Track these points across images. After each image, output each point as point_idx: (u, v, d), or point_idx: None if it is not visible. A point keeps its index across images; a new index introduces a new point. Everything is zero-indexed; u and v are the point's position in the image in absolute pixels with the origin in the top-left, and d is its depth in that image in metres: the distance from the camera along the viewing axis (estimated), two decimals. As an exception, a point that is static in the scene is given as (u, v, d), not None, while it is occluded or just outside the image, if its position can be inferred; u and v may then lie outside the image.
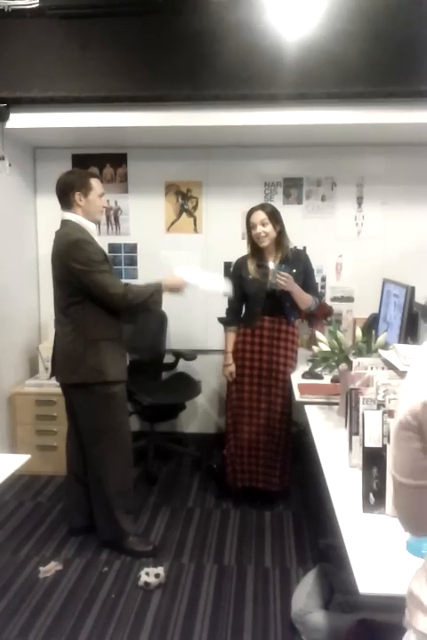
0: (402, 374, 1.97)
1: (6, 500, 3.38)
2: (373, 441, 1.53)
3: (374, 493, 1.53)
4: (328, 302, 4.01)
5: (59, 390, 2.89)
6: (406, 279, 2.78)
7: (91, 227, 2.70)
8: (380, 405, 1.69)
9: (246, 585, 2.59)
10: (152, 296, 2.69)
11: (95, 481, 2.78)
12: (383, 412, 1.54)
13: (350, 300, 4.06)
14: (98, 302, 2.61)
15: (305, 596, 2.26)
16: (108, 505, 2.75)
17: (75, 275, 2.56)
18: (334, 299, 4.06)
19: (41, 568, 2.69)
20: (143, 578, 2.56)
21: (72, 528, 3.00)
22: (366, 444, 1.54)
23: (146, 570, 2.60)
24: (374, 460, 1.52)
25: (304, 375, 2.97)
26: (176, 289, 2.79)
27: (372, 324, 3.29)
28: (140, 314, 2.93)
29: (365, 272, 3.93)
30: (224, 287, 2.88)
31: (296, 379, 2.95)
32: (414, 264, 3.69)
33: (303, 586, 2.34)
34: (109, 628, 2.30)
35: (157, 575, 2.57)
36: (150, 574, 2.57)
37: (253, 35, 3.02)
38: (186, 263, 3.95)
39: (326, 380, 2.82)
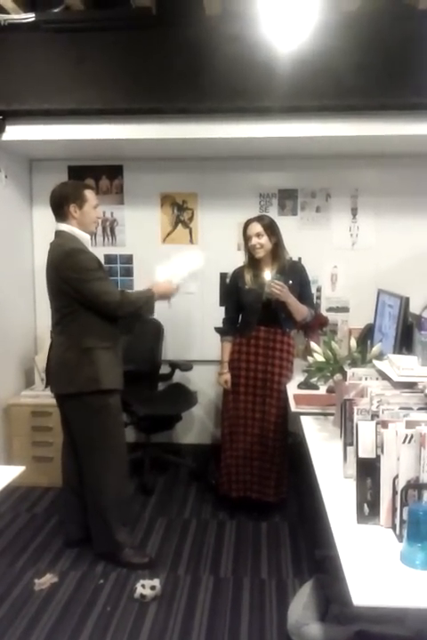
0: (396, 385, 1.98)
1: (2, 511, 3.36)
2: (366, 452, 1.53)
3: (368, 504, 1.53)
4: (324, 313, 4.02)
5: (54, 401, 2.88)
6: (401, 290, 2.78)
7: (85, 237, 2.72)
8: (374, 416, 1.70)
9: (243, 596, 2.58)
10: (147, 303, 2.72)
11: (91, 493, 2.77)
12: (377, 423, 1.54)
13: (345, 310, 4.08)
14: (93, 310, 2.62)
15: (301, 608, 2.25)
16: (103, 517, 2.74)
17: (70, 284, 2.57)
18: (330, 309, 4.08)
19: (36, 580, 2.67)
20: (139, 590, 2.55)
21: (68, 540, 2.98)
22: (360, 455, 1.53)
23: (142, 582, 2.59)
24: (367, 470, 1.52)
25: (300, 385, 2.97)
26: (167, 295, 2.84)
27: (367, 335, 3.30)
28: (136, 322, 2.95)
29: (360, 282, 3.95)
30: (199, 260, 2.97)
31: (292, 389, 2.95)
32: (409, 274, 3.71)
33: (299, 597, 2.34)
34: (105, 641, 2.29)
35: (152, 587, 2.56)
36: (146, 586, 2.56)
37: (248, 48, 3.05)
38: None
39: (322, 390, 2.82)
